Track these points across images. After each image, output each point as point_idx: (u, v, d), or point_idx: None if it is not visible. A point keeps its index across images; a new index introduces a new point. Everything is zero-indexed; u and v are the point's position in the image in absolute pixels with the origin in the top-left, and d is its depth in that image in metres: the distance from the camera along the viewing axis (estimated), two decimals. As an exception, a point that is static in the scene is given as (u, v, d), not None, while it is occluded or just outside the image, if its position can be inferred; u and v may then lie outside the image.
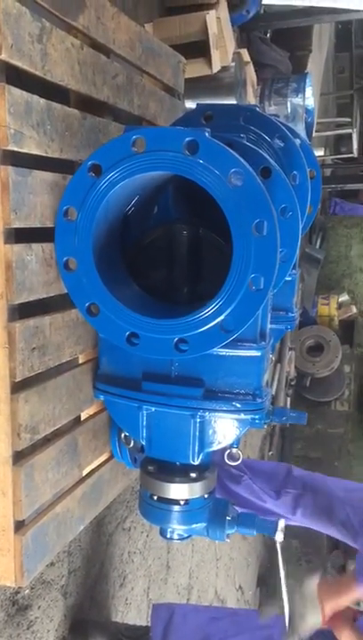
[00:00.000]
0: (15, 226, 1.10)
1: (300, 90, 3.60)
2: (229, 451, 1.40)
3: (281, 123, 1.53)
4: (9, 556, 1.15)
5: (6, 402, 1.11)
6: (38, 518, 1.21)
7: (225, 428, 1.32)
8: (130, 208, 1.32)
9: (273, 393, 5.13)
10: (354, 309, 7.30)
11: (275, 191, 1.29)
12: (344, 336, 7.06)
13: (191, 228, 1.35)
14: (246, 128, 1.46)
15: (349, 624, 1.84)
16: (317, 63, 5.47)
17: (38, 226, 1.17)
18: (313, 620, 1.81)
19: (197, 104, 1.52)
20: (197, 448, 1.32)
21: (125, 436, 1.48)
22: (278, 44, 4.11)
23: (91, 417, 1.43)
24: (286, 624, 1.78)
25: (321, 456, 6.62)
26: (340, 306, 7.13)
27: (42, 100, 1.16)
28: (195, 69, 2.49)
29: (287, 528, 1.45)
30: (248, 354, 1.27)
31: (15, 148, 1.09)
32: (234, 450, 1.40)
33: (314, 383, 6.67)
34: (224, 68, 2.74)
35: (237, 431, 1.32)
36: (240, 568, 4.71)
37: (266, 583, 5.41)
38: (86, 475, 1.42)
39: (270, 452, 5.59)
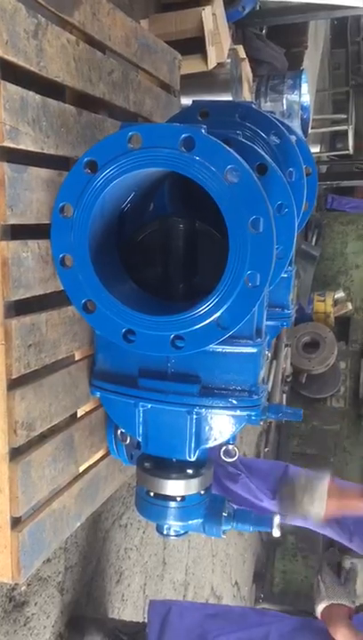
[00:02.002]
0: (11, 222, 1.10)
1: (296, 86, 3.60)
2: (225, 447, 1.40)
3: (277, 119, 1.53)
4: (5, 552, 1.15)
5: (2, 398, 1.11)
6: (35, 515, 1.21)
7: (221, 425, 1.32)
8: (126, 204, 1.32)
9: (269, 389, 5.14)
10: (350, 306, 7.30)
11: (271, 188, 1.29)
12: (340, 333, 7.07)
13: (187, 222, 1.35)
14: (242, 125, 1.45)
15: (344, 622, 1.85)
16: (312, 60, 5.47)
17: (34, 222, 1.17)
18: (316, 509, 1.90)
19: (193, 101, 1.52)
20: (193, 444, 1.32)
21: (122, 432, 1.48)
22: (273, 40, 4.11)
23: (87, 414, 1.43)
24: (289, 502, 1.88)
25: (317, 452, 6.64)
26: (336, 302, 7.13)
27: (37, 97, 1.15)
28: (191, 66, 2.49)
29: (283, 526, 1.45)
30: (244, 350, 1.27)
31: (11, 145, 1.08)
32: (230, 446, 1.40)
33: (310, 380, 6.68)
34: (220, 65, 2.73)
35: (233, 428, 1.33)
36: (236, 564, 4.73)
37: (262, 579, 5.43)
38: (83, 471, 1.42)
39: (266, 449, 5.60)
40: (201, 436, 1.33)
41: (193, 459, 1.34)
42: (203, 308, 1.10)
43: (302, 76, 3.67)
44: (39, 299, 1.22)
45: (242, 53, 3.24)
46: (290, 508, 1.95)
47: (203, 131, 1.06)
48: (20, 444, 1.15)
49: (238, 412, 1.29)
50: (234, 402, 1.28)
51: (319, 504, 1.93)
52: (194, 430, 1.31)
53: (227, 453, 1.41)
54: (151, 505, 1.38)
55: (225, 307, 1.09)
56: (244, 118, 1.47)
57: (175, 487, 1.36)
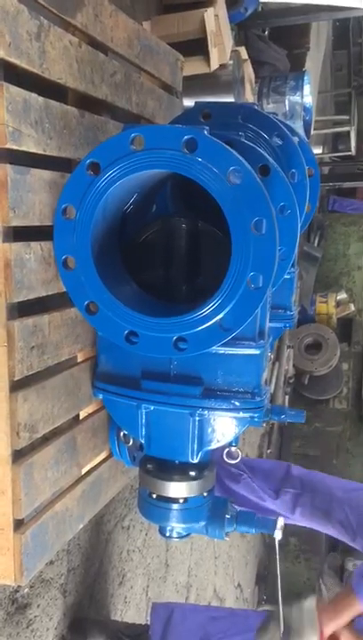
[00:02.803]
0: (14, 224, 1.10)
1: (298, 88, 3.60)
2: (228, 449, 1.40)
3: (279, 121, 1.53)
4: (8, 554, 1.15)
5: (5, 400, 1.11)
6: (38, 517, 1.21)
7: (224, 427, 1.32)
8: (128, 206, 1.32)
9: (272, 391, 5.13)
10: (352, 307, 7.30)
11: (273, 189, 1.29)
12: (342, 334, 7.07)
13: (190, 222, 1.35)
14: (245, 126, 1.45)
15: (348, 626, 1.84)
16: (315, 61, 5.47)
17: (37, 224, 1.17)
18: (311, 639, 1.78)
19: (196, 102, 1.52)
20: (196, 446, 1.32)
21: (124, 434, 1.48)
22: (275, 41, 4.11)
23: (90, 415, 1.43)
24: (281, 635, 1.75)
25: (319, 454, 6.64)
26: (338, 304, 7.13)
27: (40, 98, 1.15)
28: (193, 67, 2.49)
29: (286, 526, 1.45)
30: (247, 352, 1.27)
31: (13, 147, 1.08)
32: (233, 448, 1.40)
33: (312, 381, 6.68)
34: (222, 66, 2.73)
35: (235, 429, 1.32)
36: (239, 566, 4.72)
37: (265, 581, 5.42)
38: (85, 473, 1.42)
39: (269, 450, 5.60)
40: (204, 437, 1.32)
41: (196, 461, 1.34)
42: (205, 310, 1.10)
43: (305, 78, 3.67)
44: (42, 300, 1.22)
45: (244, 55, 3.24)
46: None
47: (205, 132, 1.06)
48: (23, 447, 1.15)
49: (241, 414, 1.29)
50: (237, 403, 1.27)
51: (311, 634, 1.76)
52: (196, 432, 1.31)
53: (229, 455, 1.40)
54: (154, 507, 1.38)
55: (228, 308, 1.09)
56: (246, 120, 1.47)
57: (178, 489, 1.35)
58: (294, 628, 1.77)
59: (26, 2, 1.11)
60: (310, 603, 1.84)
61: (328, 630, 1.79)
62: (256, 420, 1.29)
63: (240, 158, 1.05)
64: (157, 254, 1.37)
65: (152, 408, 1.31)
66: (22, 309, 1.15)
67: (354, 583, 1.85)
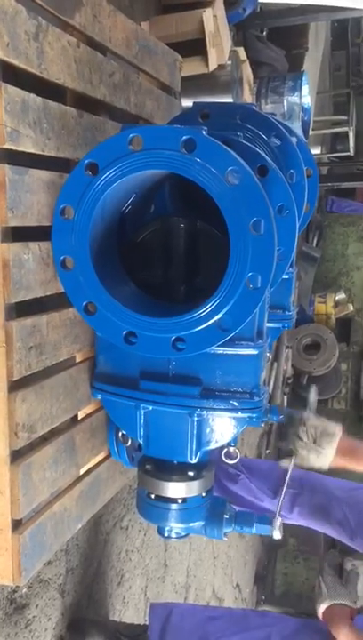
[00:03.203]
0: (12, 224, 1.10)
1: (296, 88, 3.60)
2: (226, 449, 1.40)
3: (278, 121, 1.53)
4: (7, 555, 1.15)
5: (3, 401, 1.11)
6: (36, 517, 1.21)
7: (223, 427, 1.32)
8: (127, 206, 1.32)
9: (270, 391, 5.13)
10: (351, 307, 7.30)
11: (272, 190, 1.29)
12: (341, 334, 7.07)
13: (188, 221, 1.35)
14: (243, 126, 1.45)
15: (346, 622, 1.85)
16: (313, 61, 5.47)
17: (35, 224, 1.17)
18: (323, 459, 1.84)
19: (194, 102, 1.52)
20: (194, 447, 1.32)
21: (123, 434, 1.48)
22: (274, 42, 4.11)
23: (88, 416, 1.43)
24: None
25: (318, 454, 6.62)
26: (337, 304, 7.13)
27: (38, 99, 1.15)
28: (191, 68, 2.49)
29: (284, 526, 1.45)
30: (246, 352, 1.27)
31: (12, 147, 1.08)
32: (231, 448, 1.40)
33: (311, 381, 6.67)
34: (221, 67, 2.73)
35: (234, 430, 1.32)
36: (238, 566, 4.72)
37: (263, 581, 5.42)
38: (84, 473, 1.42)
39: (268, 451, 5.59)
40: (202, 438, 1.32)
41: (194, 461, 1.34)
42: (204, 310, 1.10)
43: (303, 78, 3.67)
44: (40, 301, 1.22)
45: (243, 55, 3.24)
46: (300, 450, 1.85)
47: (204, 132, 1.06)
48: (21, 447, 1.15)
49: (240, 414, 1.29)
50: (235, 404, 1.27)
51: (328, 454, 1.86)
52: (195, 432, 1.31)
53: (228, 455, 1.41)
54: (152, 507, 1.38)
55: (226, 309, 1.09)
56: (244, 120, 1.47)
57: (176, 489, 1.35)
58: (317, 442, 1.86)
59: (24, 2, 1.11)
60: (336, 432, 1.90)
61: (337, 461, 1.86)
62: (255, 420, 1.29)
63: (239, 159, 1.06)
64: (155, 254, 1.37)
65: (151, 408, 1.31)
66: (21, 310, 1.15)
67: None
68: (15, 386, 1.13)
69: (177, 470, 1.37)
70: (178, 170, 1.07)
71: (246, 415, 1.29)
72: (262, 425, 1.48)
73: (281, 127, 1.50)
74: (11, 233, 1.11)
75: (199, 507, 1.38)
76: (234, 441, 1.37)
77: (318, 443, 1.84)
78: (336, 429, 1.88)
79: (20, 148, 1.11)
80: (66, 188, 1.14)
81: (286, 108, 3.61)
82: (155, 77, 1.75)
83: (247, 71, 3.32)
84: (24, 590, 1.71)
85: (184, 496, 1.36)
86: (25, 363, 1.14)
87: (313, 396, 1.93)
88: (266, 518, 1.44)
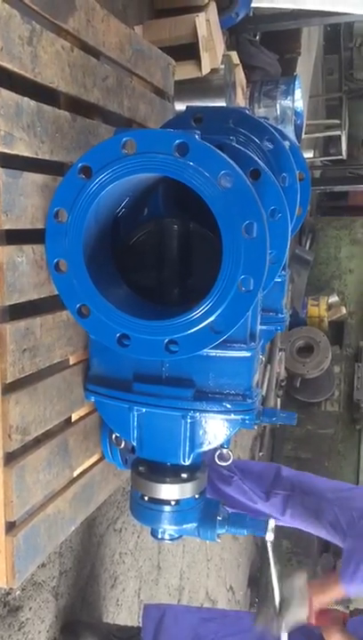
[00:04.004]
0: (6, 227, 1.11)
1: (289, 92, 3.62)
2: (219, 451, 1.41)
3: (270, 125, 1.54)
4: (0, 557, 1.15)
5: (-3, 403, 1.11)
6: (29, 519, 1.21)
7: (216, 429, 1.33)
8: (120, 209, 1.32)
9: (263, 394, 5.14)
10: (344, 310, 7.33)
11: (264, 193, 1.30)
12: (334, 337, 7.09)
13: (182, 223, 1.36)
14: (236, 130, 1.47)
15: (338, 626, 1.85)
16: (306, 65, 5.50)
17: (29, 227, 1.17)
18: (300, 611, 1.86)
19: (187, 106, 1.53)
20: (187, 449, 1.33)
21: (116, 436, 1.48)
22: (267, 46, 4.12)
23: (81, 418, 1.44)
24: (275, 610, 1.83)
25: (311, 456, 6.64)
26: (330, 307, 7.16)
27: (32, 102, 1.16)
28: (184, 72, 2.49)
29: (278, 528, 1.45)
30: (238, 355, 1.28)
31: (6, 150, 1.09)
32: (224, 450, 1.40)
33: (304, 384, 6.69)
34: (214, 71, 2.74)
35: (227, 432, 1.33)
36: (231, 568, 4.72)
37: (257, 583, 5.42)
38: (77, 476, 1.42)
39: (261, 453, 5.60)
40: (195, 439, 1.33)
41: (187, 463, 1.34)
42: (197, 313, 1.11)
43: (296, 82, 3.69)
44: (33, 303, 1.22)
45: (236, 59, 3.25)
46: (278, 618, 1.85)
47: (197, 136, 1.07)
48: (15, 449, 1.16)
49: (233, 416, 1.29)
50: (228, 406, 1.28)
51: (301, 606, 1.87)
52: (188, 434, 1.32)
53: (221, 457, 1.41)
54: (146, 509, 1.38)
55: (219, 311, 1.10)
56: (237, 124, 1.48)
57: (170, 491, 1.36)
58: (286, 598, 1.87)
59: (18, 7, 1.11)
60: (300, 579, 1.93)
61: (315, 604, 1.88)
62: (248, 422, 1.30)
63: (231, 162, 1.06)
64: (148, 256, 1.38)
65: (144, 410, 1.32)
66: (14, 312, 1.16)
67: (341, 569, 1.90)
68: (9, 388, 1.13)
69: (170, 472, 1.37)
70: (171, 173, 1.08)
71: (238, 417, 1.29)
72: (255, 427, 1.49)
73: (274, 131, 1.51)
74: (5, 236, 1.12)
75: (192, 508, 1.38)
76: (227, 443, 1.38)
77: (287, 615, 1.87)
78: (302, 577, 1.92)
79: (14, 152, 1.12)
80: (59, 191, 1.14)
81: (278, 112, 3.62)
82: (148, 81, 1.76)
83: (240, 75, 3.33)
84: (17, 593, 1.71)
85: (177, 498, 1.36)
86: (18, 365, 1.15)
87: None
88: (259, 520, 1.44)
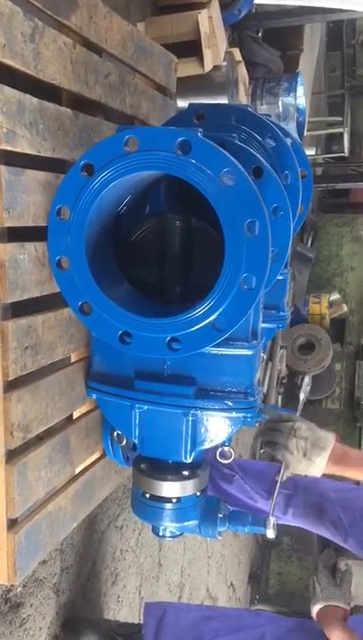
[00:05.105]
0: (8, 225, 1.10)
1: (291, 89, 3.61)
2: (221, 449, 1.41)
3: (273, 122, 1.54)
4: (2, 554, 1.15)
5: (-1, 400, 1.11)
6: (31, 516, 1.22)
7: (217, 427, 1.33)
8: (122, 207, 1.32)
9: (265, 391, 5.14)
10: (345, 308, 7.32)
11: (267, 191, 1.30)
12: (335, 334, 7.09)
13: (184, 219, 1.36)
14: (238, 128, 1.46)
15: (340, 623, 1.85)
16: (308, 62, 5.49)
17: (31, 225, 1.17)
18: (316, 466, 1.77)
19: (190, 104, 1.52)
20: (189, 446, 1.33)
21: (118, 434, 1.49)
22: (269, 43, 4.11)
23: (83, 415, 1.44)
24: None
25: (312, 454, 6.63)
26: (331, 304, 7.15)
27: (34, 100, 1.16)
28: (187, 69, 2.49)
29: (279, 527, 1.45)
30: (240, 352, 1.27)
31: (8, 148, 1.09)
32: (226, 448, 1.41)
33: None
34: (216, 68, 2.74)
35: (229, 429, 1.33)
36: (232, 565, 4.73)
37: (257, 580, 5.43)
38: (79, 473, 1.42)
39: (262, 451, 5.60)
40: (197, 437, 1.33)
41: (189, 460, 1.34)
42: (199, 311, 1.11)
43: (298, 79, 3.68)
44: (35, 301, 1.22)
45: (238, 56, 3.24)
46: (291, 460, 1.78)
47: (199, 134, 1.07)
48: (17, 446, 1.16)
49: (234, 414, 1.29)
50: (230, 404, 1.28)
51: (319, 466, 1.80)
52: (190, 432, 1.32)
53: (223, 455, 1.41)
54: (147, 506, 1.39)
55: (221, 309, 1.10)
56: (240, 121, 1.48)
57: (171, 489, 1.36)
58: (310, 449, 1.78)
59: (20, 3, 1.11)
60: (329, 439, 1.82)
61: (330, 467, 1.80)
62: (249, 420, 1.30)
63: (233, 160, 1.06)
64: (150, 252, 1.38)
65: (146, 408, 1.32)
66: (16, 310, 1.16)
67: None
68: (10, 386, 1.14)
69: (172, 470, 1.37)
70: (173, 171, 1.08)
71: (240, 415, 1.29)
72: (257, 425, 1.49)
73: (276, 128, 1.50)
74: (7, 233, 1.11)
75: (194, 506, 1.38)
76: (228, 441, 1.38)
77: (308, 456, 1.79)
78: (327, 441, 1.80)
79: (17, 149, 1.11)
80: (62, 188, 1.14)
81: (281, 109, 3.61)
82: (150, 78, 1.75)
83: (243, 72, 3.32)
84: (19, 589, 1.71)
85: (179, 495, 1.36)
86: (20, 362, 1.15)
87: (306, 384, 1.85)
88: (260, 517, 1.44)
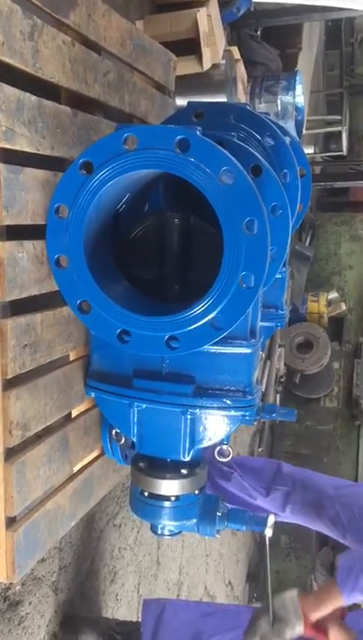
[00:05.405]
0: (6, 223, 1.10)
1: (290, 87, 3.61)
2: (219, 447, 1.41)
3: (271, 121, 1.54)
4: (0, 552, 1.15)
5: (-2, 399, 1.11)
6: (30, 515, 1.22)
7: (215, 425, 1.33)
8: (121, 205, 1.32)
9: (263, 390, 5.15)
10: (343, 306, 7.33)
11: (265, 189, 1.30)
12: (333, 333, 7.09)
13: (182, 217, 1.36)
14: (237, 126, 1.46)
15: (337, 622, 1.86)
16: (307, 61, 5.49)
17: (30, 223, 1.17)
18: (295, 629, 1.80)
19: (188, 102, 1.52)
20: (187, 444, 1.33)
21: (116, 432, 1.49)
22: (268, 41, 4.11)
23: (82, 414, 1.44)
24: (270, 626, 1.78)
25: (310, 452, 6.66)
26: (329, 303, 7.16)
27: (33, 98, 1.16)
28: (186, 67, 2.49)
29: (277, 524, 1.46)
30: (239, 351, 1.28)
31: (7, 146, 1.09)
32: (224, 446, 1.41)
33: (303, 380, 6.70)
34: (215, 66, 2.73)
35: (227, 428, 1.33)
36: (230, 564, 4.73)
37: (255, 579, 5.44)
38: (77, 471, 1.43)
39: (260, 449, 5.61)
40: (195, 436, 1.33)
41: (187, 459, 1.35)
42: (197, 309, 1.11)
43: (297, 78, 3.68)
44: (34, 299, 1.22)
45: (237, 54, 3.24)
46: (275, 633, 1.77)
47: (198, 132, 1.07)
48: (15, 445, 1.16)
49: (233, 413, 1.30)
50: (228, 402, 1.28)
51: (296, 623, 1.77)
52: (188, 430, 1.32)
53: (221, 453, 1.41)
54: (146, 505, 1.39)
55: (219, 308, 1.10)
56: (238, 120, 1.48)
57: (170, 487, 1.36)
58: (280, 616, 1.79)
59: (19, 1, 1.11)
60: (291, 593, 1.85)
61: (312, 618, 1.81)
62: (247, 418, 1.30)
63: (232, 158, 1.06)
64: (149, 250, 1.38)
65: (144, 406, 1.32)
66: (15, 308, 1.16)
67: (338, 577, 1.87)
68: (9, 384, 1.14)
69: (170, 468, 1.37)
70: (172, 169, 1.08)
71: (238, 413, 1.29)
72: (255, 423, 1.49)
73: (275, 127, 1.51)
74: (5, 231, 1.11)
75: (192, 504, 1.38)
76: (227, 439, 1.38)
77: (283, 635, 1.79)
78: (296, 615, 1.79)
79: (15, 147, 1.11)
80: (60, 186, 1.14)
81: (279, 108, 3.61)
82: (149, 76, 1.75)
83: (241, 70, 3.32)
84: (17, 588, 1.72)
85: (177, 494, 1.36)
86: (19, 361, 1.15)
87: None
88: (258, 516, 1.45)
